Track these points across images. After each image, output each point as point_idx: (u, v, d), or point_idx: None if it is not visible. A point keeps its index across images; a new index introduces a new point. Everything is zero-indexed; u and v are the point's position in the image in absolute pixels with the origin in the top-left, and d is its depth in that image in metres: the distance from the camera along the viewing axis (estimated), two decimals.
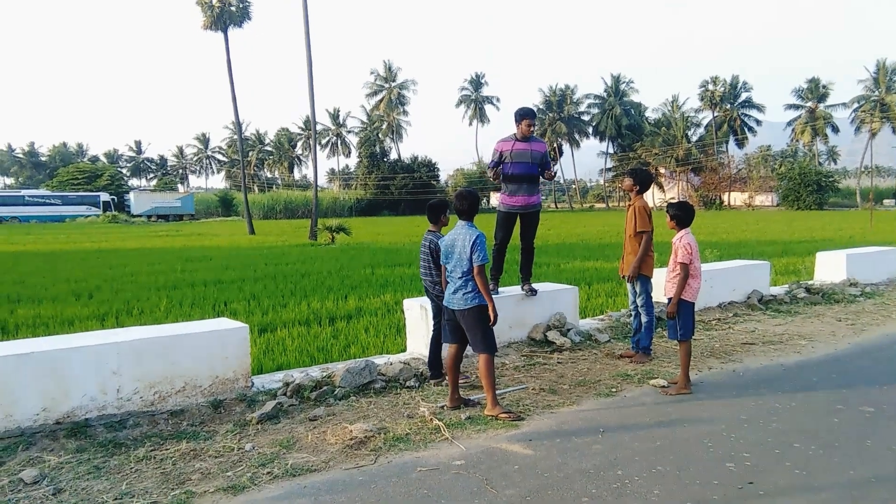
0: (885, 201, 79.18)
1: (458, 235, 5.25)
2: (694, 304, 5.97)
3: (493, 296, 5.69)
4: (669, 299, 5.95)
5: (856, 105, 74.81)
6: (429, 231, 6.04)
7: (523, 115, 6.97)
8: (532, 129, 6.99)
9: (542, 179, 7.24)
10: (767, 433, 4.80)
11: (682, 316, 5.88)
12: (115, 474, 4.22)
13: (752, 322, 8.75)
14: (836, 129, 78.87)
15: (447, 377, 5.55)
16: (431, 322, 6.42)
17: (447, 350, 5.53)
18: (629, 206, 7.01)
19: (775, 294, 10.17)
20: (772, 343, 7.60)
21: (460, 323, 5.29)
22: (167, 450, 4.59)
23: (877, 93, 72.93)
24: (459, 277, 5.20)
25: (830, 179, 69.48)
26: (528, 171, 7.04)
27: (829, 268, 11.71)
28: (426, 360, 6.35)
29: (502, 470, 4.22)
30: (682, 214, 6.04)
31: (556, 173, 7.77)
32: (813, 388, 5.89)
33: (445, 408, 5.39)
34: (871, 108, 72.53)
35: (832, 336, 7.93)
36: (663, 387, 5.93)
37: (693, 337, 6.14)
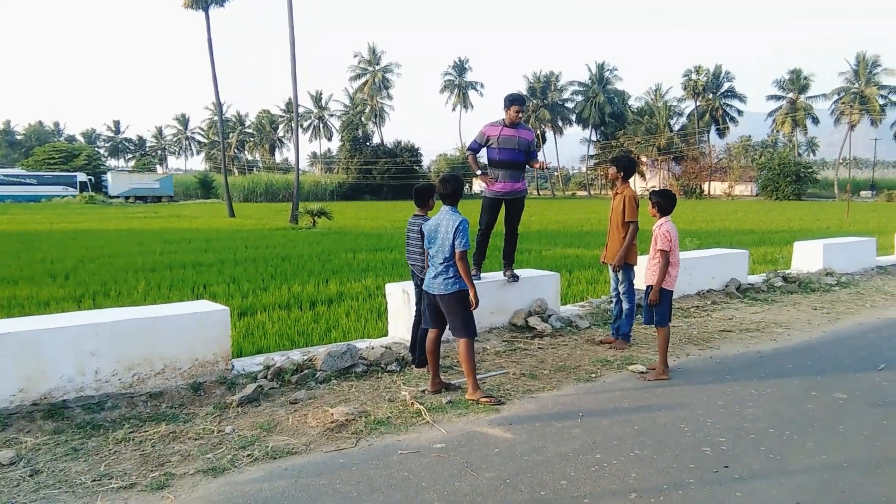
0: (862, 192, 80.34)
1: (441, 220, 5.23)
2: (672, 291, 6.03)
3: (476, 281, 5.70)
4: (649, 287, 6.00)
5: (836, 97, 75.59)
6: (415, 215, 6.02)
7: (512, 100, 6.96)
8: (520, 115, 6.98)
9: (527, 168, 7.25)
10: (743, 419, 4.88)
11: (660, 303, 5.94)
12: (93, 456, 4.19)
13: (730, 310, 8.86)
14: (816, 121, 79.66)
15: (427, 361, 5.56)
16: (413, 307, 6.43)
17: (428, 335, 5.53)
18: (616, 194, 7.03)
19: (753, 282, 10.30)
20: (749, 330, 7.71)
21: (440, 308, 5.30)
22: (146, 432, 4.56)
23: (857, 85, 73.74)
24: (441, 263, 5.20)
25: (809, 170, 70.34)
26: (514, 157, 7.04)
27: (806, 257, 11.88)
28: (408, 344, 6.36)
29: (482, 453, 4.26)
30: (663, 202, 6.09)
31: (547, 164, 7.78)
32: (788, 375, 5.99)
33: (427, 392, 5.41)
34: (851, 100, 73.36)
35: (808, 324, 8.06)
36: (642, 373, 6.00)
37: (671, 324, 6.21)
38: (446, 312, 5.28)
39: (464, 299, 5.21)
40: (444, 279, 5.19)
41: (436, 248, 5.24)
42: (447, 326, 5.38)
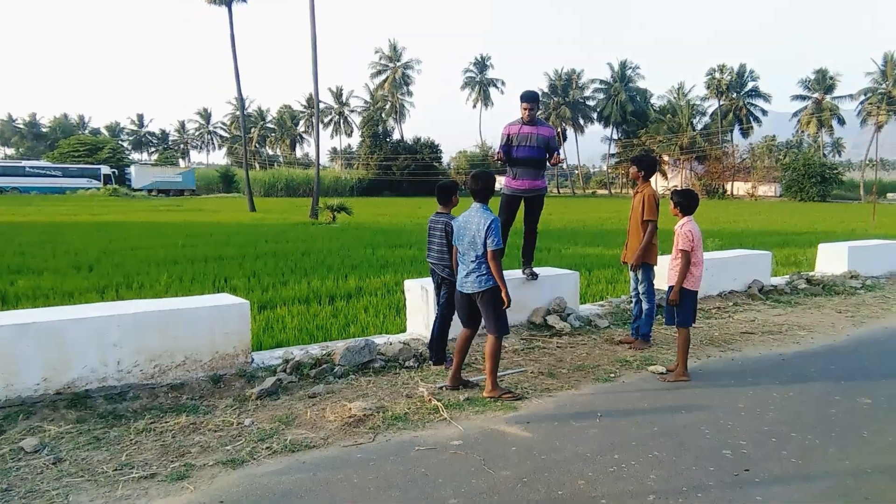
0: (889, 195, 78.90)
1: (472, 217, 5.21)
2: (696, 292, 5.96)
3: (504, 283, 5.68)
4: (671, 286, 5.95)
5: (862, 97, 74.35)
6: (437, 213, 6.00)
7: (521, 98, 6.98)
8: (531, 112, 6.93)
9: (548, 165, 7.22)
10: (764, 422, 4.82)
11: (683, 303, 5.88)
12: (114, 445, 4.24)
13: (752, 311, 8.76)
14: (841, 121, 78.46)
15: (453, 358, 5.55)
16: (432, 303, 6.43)
17: (460, 333, 5.51)
18: (637, 192, 6.98)
19: (776, 284, 10.17)
20: (771, 333, 7.61)
21: (478, 305, 5.28)
22: (167, 423, 4.61)
23: (884, 85, 72.44)
24: (472, 261, 5.18)
25: (834, 171, 69.23)
26: (533, 154, 7.02)
27: (831, 260, 11.70)
28: (426, 341, 6.36)
29: (500, 451, 4.25)
30: (685, 202, 6.03)
31: (563, 159, 7.72)
32: (811, 379, 5.90)
33: (445, 387, 5.41)
34: (878, 100, 72.10)
35: (832, 327, 7.94)
36: (661, 373, 5.95)
37: (693, 325, 6.15)
38: (482, 309, 5.26)
39: (498, 295, 5.18)
40: (478, 276, 5.17)
41: (465, 246, 5.22)
42: (481, 324, 5.36)
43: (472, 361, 6.14)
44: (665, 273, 6.19)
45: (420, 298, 6.95)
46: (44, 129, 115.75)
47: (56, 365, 4.79)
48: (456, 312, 5.61)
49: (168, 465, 3.96)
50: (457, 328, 5.68)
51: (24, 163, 72.40)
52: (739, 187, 79.59)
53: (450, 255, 5.72)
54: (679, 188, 6.53)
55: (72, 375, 4.86)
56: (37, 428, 4.45)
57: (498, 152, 7.16)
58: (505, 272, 7.49)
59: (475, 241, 5.14)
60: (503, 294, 5.15)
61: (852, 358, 6.67)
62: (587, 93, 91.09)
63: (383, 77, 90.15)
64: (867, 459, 4.20)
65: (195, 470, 3.93)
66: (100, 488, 3.68)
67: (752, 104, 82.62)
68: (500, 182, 7.38)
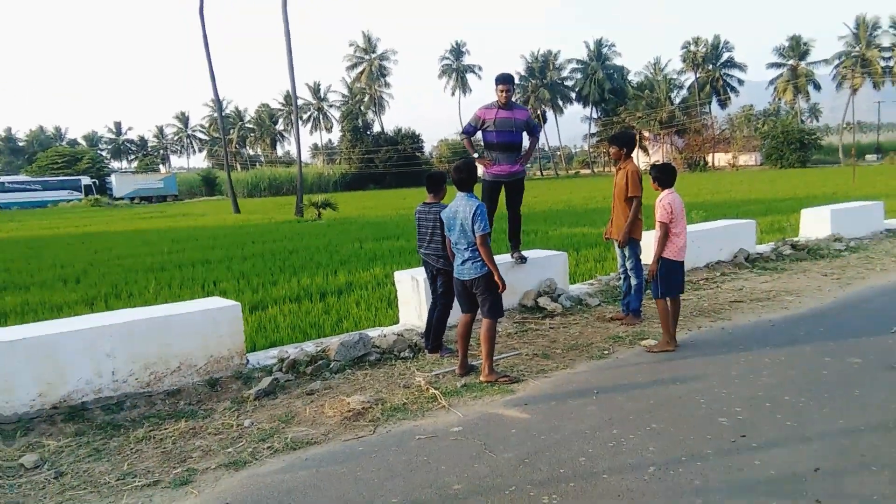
0: (868, 156, 79.62)
1: (458, 207, 5.30)
2: (682, 262, 6.02)
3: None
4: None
5: (837, 61, 74.79)
6: (425, 203, 5.99)
7: (497, 80, 6.98)
8: (507, 94, 6.93)
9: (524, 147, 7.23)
10: (758, 388, 4.89)
11: (665, 274, 5.93)
12: (115, 455, 4.24)
13: (740, 280, 8.85)
14: (817, 87, 78.92)
15: (457, 346, 5.60)
16: (423, 293, 6.44)
17: (460, 318, 5.58)
18: (619, 169, 7.01)
19: (761, 252, 10.27)
20: (759, 300, 7.70)
21: (474, 292, 5.36)
22: (166, 429, 4.61)
23: (857, 48, 72.92)
24: (465, 248, 5.27)
25: (813, 137, 69.77)
26: (511, 139, 7.03)
27: (814, 224, 11.83)
28: (419, 331, 6.38)
29: (500, 434, 4.29)
30: (662, 176, 6.10)
31: (533, 151, 7.73)
32: (801, 342, 5.98)
33: (456, 374, 5.47)
34: (853, 63, 72.56)
35: (818, 291, 8.04)
36: (652, 346, 6.01)
37: (682, 296, 6.20)
38: (479, 294, 5.34)
39: (492, 280, 5.29)
40: (473, 263, 5.27)
41: (457, 235, 5.31)
42: (479, 310, 5.43)
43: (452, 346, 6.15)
44: (651, 248, 6.23)
45: (411, 289, 6.97)
46: (20, 144, 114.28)
47: (50, 379, 4.77)
48: (456, 299, 5.67)
49: (171, 472, 3.97)
50: (455, 315, 5.71)
51: (2, 178, 71.51)
52: (720, 158, 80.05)
53: (443, 245, 5.71)
54: (659, 163, 6.57)
55: (67, 389, 4.84)
56: (35, 444, 4.43)
57: (463, 136, 7.20)
58: (494, 257, 7.56)
59: (465, 229, 5.22)
60: (496, 277, 5.23)
61: (840, 319, 6.77)
62: (564, 73, 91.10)
63: (359, 70, 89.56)
64: (860, 418, 4.28)
65: (198, 474, 3.93)
66: (103, 499, 3.69)
67: (729, 75, 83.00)
68: (482, 170, 7.40)
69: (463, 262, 5.33)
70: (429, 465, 3.91)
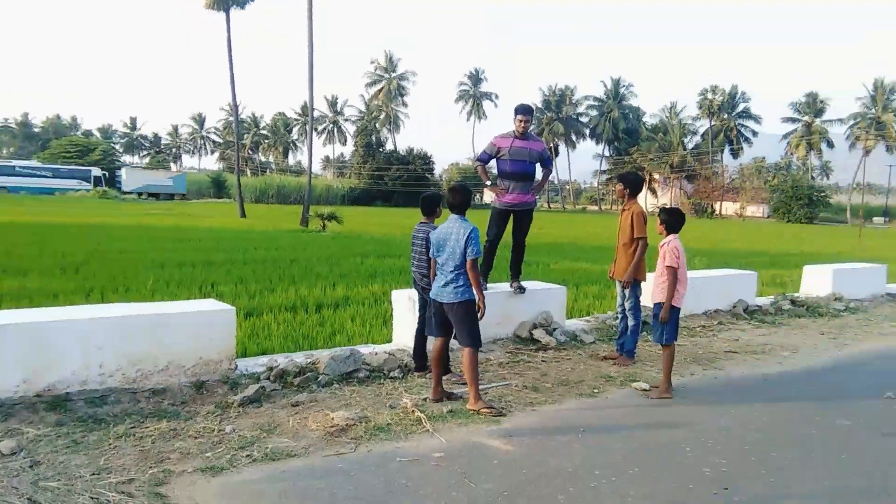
0: (875, 219, 79.70)
1: (451, 229, 5.26)
2: (679, 309, 6.01)
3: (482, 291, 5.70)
4: (657, 304, 5.98)
5: (852, 122, 75.30)
6: (421, 223, 6.02)
7: (516, 110, 7.05)
8: (524, 125, 6.99)
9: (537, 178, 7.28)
10: (745, 441, 4.85)
11: (674, 320, 5.92)
12: (93, 450, 4.21)
13: (737, 331, 8.81)
14: (830, 145, 79.35)
15: (431, 369, 5.57)
16: (418, 313, 6.42)
17: (433, 343, 5.54)
18: (624, 210, 7.03)
19: (761, 304, 10.24)
20: (754, 352, 7.66)
21: (448, 316, 5.31)
22: (147, 428, 4.58)
23: (873, 111, 73.44)
24: (451, 271, 5.22)
25: (822, 194, 69.96)
26: (525, 169, 7.09)
27: (816, 281, 11.80)
28: (412, 351, 6.35)
29: (481, 464, 4.24)
30: (671, 220, 6.08)
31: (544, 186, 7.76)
32: (792, 399, 5.94)
33: (428, 400, 5.41)
34: (867, 125, 73.04)
35: (814, 349, 8.00)
36: (645, 390, 5.97)
37: (676, 342, 6.18)
38: (454, 321, 5.29)
39: (472, 309, 5.25)
40: (455, 287, 5.21)
41: (445, 257, 5.25)
42: (453, 335, 5.39)
43: (460, 372, 6.12)
44: (650, 290, 6.22)
45: (407, 309, 6.95)
46: (36, 130, 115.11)
47: (37, 367, 4.75)
48: (428, 322, 5.63)
49: (147, 471, 3.93)
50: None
51: (14, 162, 71.91)
52: (728, 207, 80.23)
53: (428, 265, 5.72)
54: (668, 206, 6.57)
55: (53, 378, 4.82)
56: (15, 430, 4.40)
57: (477, 163, 7.24)
58: (492, 285, 7.57)
59: (455, 251, 5.18)
60: (479, 301, 5.21)
61: (833, 379, 6.72)
62: (580, 109, 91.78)
63: (378, 87, 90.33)
64: (846, 480, 4.24)
65: (174, 476, 3.90)
66: (75, 493, 3.64)
67: (743, 125, 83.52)
68: (489, 196, 7.44)
69: (445, 284, 5.26)
70: (407, 488, 3.87)
